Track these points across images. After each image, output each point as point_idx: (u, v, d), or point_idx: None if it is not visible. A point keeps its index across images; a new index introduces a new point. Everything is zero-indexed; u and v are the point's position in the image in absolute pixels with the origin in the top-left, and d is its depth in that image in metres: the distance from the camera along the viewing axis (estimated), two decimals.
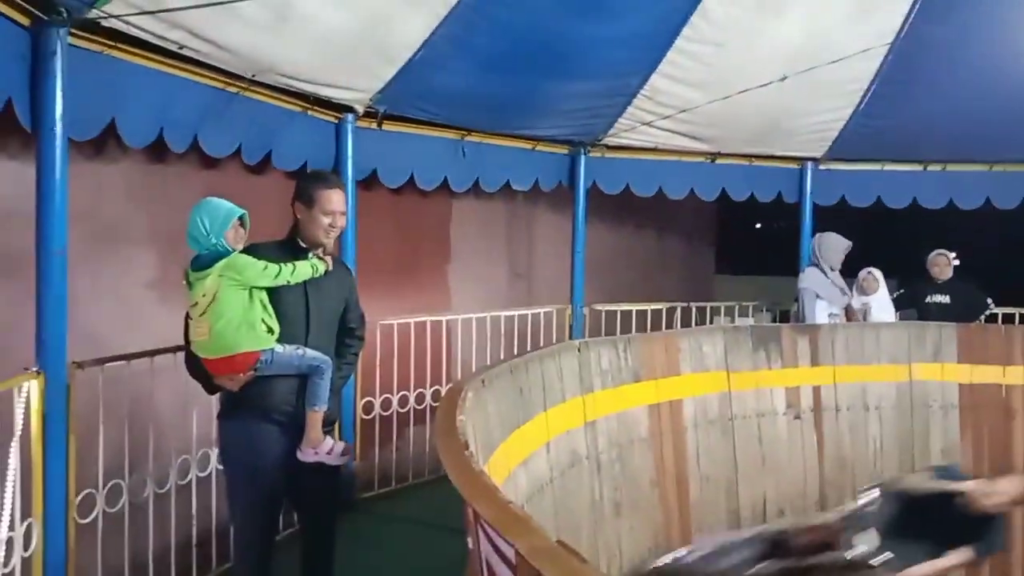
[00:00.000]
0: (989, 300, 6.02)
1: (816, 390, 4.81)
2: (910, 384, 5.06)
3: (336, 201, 3.01)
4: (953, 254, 5.92)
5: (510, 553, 1.50)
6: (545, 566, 1.33)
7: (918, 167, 6.64)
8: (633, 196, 6.62)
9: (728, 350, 4.46)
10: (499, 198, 6.82)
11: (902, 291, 6.20)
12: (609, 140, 6.32)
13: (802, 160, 6.61)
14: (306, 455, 2.91)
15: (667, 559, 3.47)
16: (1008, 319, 6.50)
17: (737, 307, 7.59)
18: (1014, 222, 7.32)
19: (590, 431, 3.60)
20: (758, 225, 14.14)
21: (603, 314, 6.78)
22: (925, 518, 3.20)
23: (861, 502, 3.30)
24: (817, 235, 5.79)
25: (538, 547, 1.39)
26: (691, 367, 4.26)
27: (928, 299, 5.89)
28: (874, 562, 3.15)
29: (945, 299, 5.83)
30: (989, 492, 3.07)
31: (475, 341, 5.96)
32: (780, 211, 7.29)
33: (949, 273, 5.91)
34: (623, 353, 3.90)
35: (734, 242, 11.74)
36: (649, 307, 6.91)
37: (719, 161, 6.54)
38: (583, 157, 6.43)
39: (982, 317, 5.96)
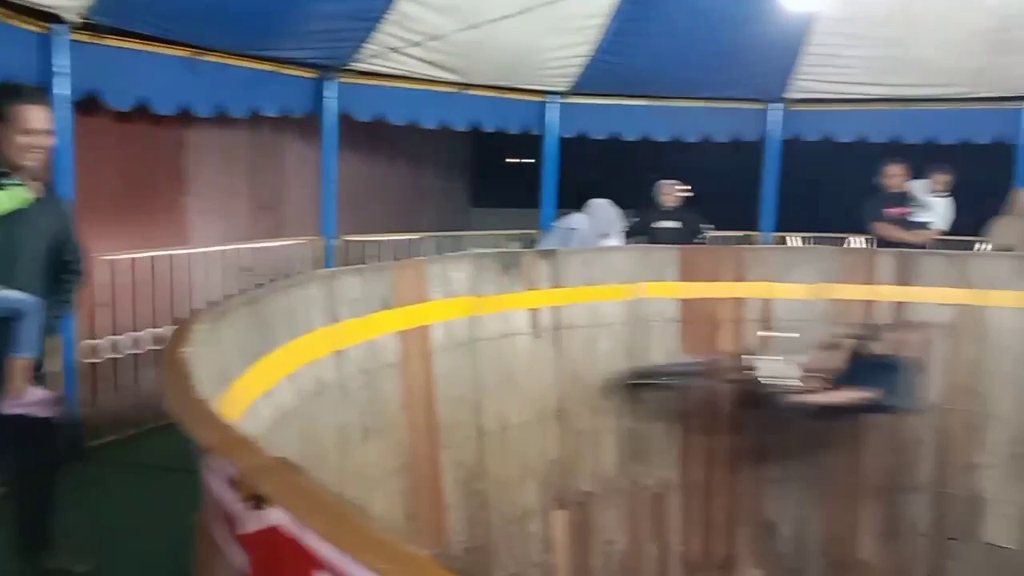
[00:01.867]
0: (707, 225, 6.71)
1: (556, 310, 5.13)
2: (637, 301, 5.54)
3: (37, 118, 2.70)
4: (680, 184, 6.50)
5: (232, 474, 1.48)
6: (265, 482, 1.32)
7: (649, 102, 7.16)
8: (387, 126, 6.55)
9: (475, 276, 4.61)
10: (243, 126, 6.45)
11: (636, 219, 6.73)
12: (360, 66, 6.18)
13: (546, 93, 6.88)
14: (9, 407, 2.64)
15: None
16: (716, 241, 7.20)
17: (492, 237, 7.82)
18: (729, 155, 8.15)
19: (338, 360, 3.59)
20: (514, 159, 14.55)
21: (356, 245, 6.72)
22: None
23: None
24: (592, 201, 6.06)
25: (258, 464, 1.38)
26: (440, 293, 4.36)
27: (657, 224, 6.46)
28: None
29: (673, 224, 6.42)
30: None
31: (220, 276, 5.68)
32: (536, 144, 7.54)
33: (676, 201, 6.50)
34: (372, 282, 3.90)
35: (491, 175, 12.02)
36: (403, 237, 6.94)
37: (470, 92, 6.63)
38: (333, 82, 6.23)
39: (700, 239, 6.63)
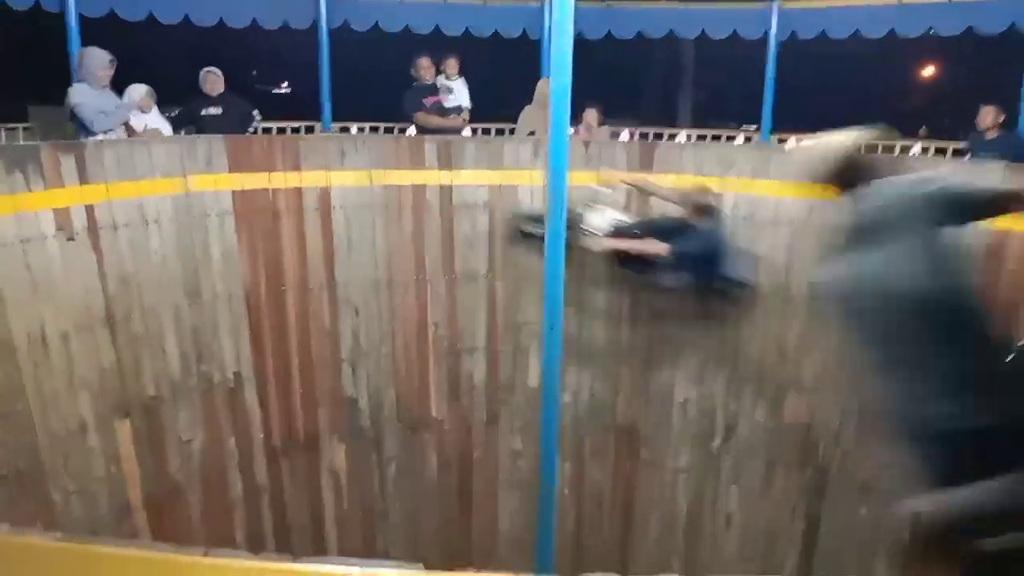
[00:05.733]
0: (255, 112, 6.57)
1: (90, 209, 4.70)
2: (187, 196, 5.30)
3: None
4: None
5: None
6: None
7: None
8: None
9: None
10: None
11: (182, 108, 6.36)
12: None
13: None
14: None
15: None
16: (267, 131, 7.06)
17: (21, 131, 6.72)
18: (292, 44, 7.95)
19: None
20: None
21: None
22: None
23: None
24: (82, 50, 5.48)
25: None
26: None
27: (203, 112, 6.17)
28: None
29: (218, 111, 6.18)
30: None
31: None
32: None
33: (220, 88, 6.24)
34: None
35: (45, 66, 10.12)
36: None
37: None
38: None
39: (252, 128, 6.48)
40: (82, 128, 5.34)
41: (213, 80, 6.17)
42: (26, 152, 4.37)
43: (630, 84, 13.93)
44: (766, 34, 7.34)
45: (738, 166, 6.33)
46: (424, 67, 6.98)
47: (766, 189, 6.25)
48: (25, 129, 5.85)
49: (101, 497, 4.98)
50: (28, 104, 9.12)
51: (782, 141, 7.79)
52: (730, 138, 8.05)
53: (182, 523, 5.58)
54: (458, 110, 7.14)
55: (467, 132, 7.41)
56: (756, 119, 7.93)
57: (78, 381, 4.67)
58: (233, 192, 5.54)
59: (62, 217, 4.52)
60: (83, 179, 4.65)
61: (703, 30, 7.64)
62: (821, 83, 11.20)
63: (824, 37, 7.36)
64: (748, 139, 7.80)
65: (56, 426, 4.54)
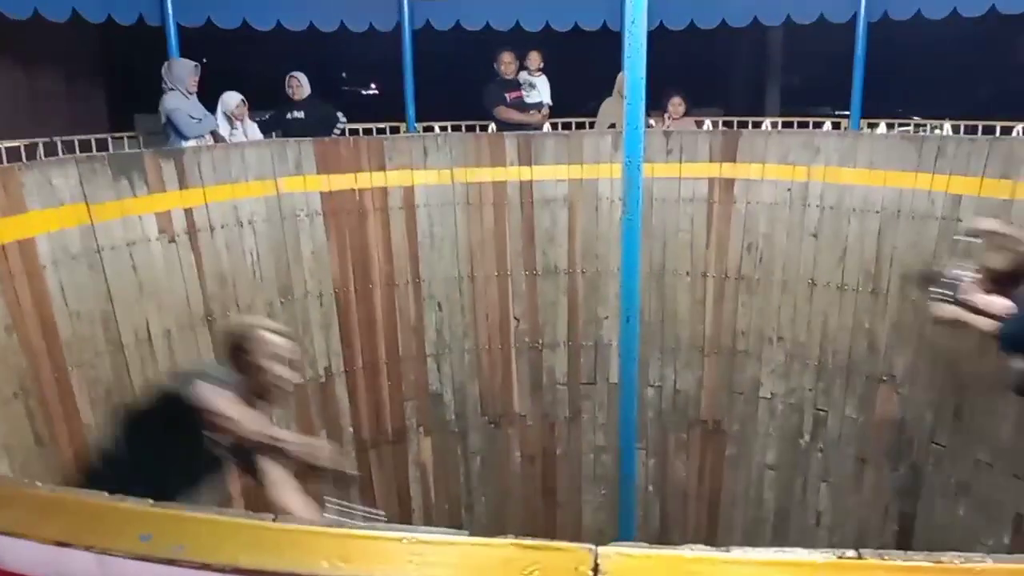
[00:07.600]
0: (340, 115, 6.75)
1: (188, 212, 4.95)
2: (278, 197, 5.52)
3: None
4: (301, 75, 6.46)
5: None
6: None
7: None
8: None
9: (85, 181, 4.28)
10: None
11: (271, 113, 6.60)
12: None
13: None
14: None
15: None
16: (353, 132, 7.26)
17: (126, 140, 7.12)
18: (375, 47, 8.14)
19: None
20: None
21: None
22: None
23: None
24: (169, 60, 5.79)
25: None
26: (40, 203, 4.00)
27: (289, 116, 6.40)
28: None
29: (301, 115, 6.39)
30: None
31: None
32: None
33: (305, 92, 6.46)
34: None
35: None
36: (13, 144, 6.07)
37: None
38: None
39: (336, 131, 6.66)
40: (176, 133, 5.62)
41: (296, 85, 6.40)
42: (131, 160, 4.63)
43: (716, 72, 13.65)
44: (855, 16, 7.10)
45: (824, 153, 6.17)
46: (506, 62, 7.00)
47: (853, 177, 6.07)
48: (130, 137, 6.19)
49: None
50: (134, 113, 9.70)
51: (872, 127, 7.53)
52: (817, 125, 7.82)
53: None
54: (539, 106, 7.15)
55: (547, 128, 7.43)
56: (847, 105, 7.69)
57: None
58: (321, 193, 5.74)
59: (164, 220, 4.78)
60: (182, 184, 4.90)
61: (788, 15, 7.43)
62: (917, 66, 10.75)
63: (919, 17, 7.05)
64: (836, 125, 7.55)
65: None
